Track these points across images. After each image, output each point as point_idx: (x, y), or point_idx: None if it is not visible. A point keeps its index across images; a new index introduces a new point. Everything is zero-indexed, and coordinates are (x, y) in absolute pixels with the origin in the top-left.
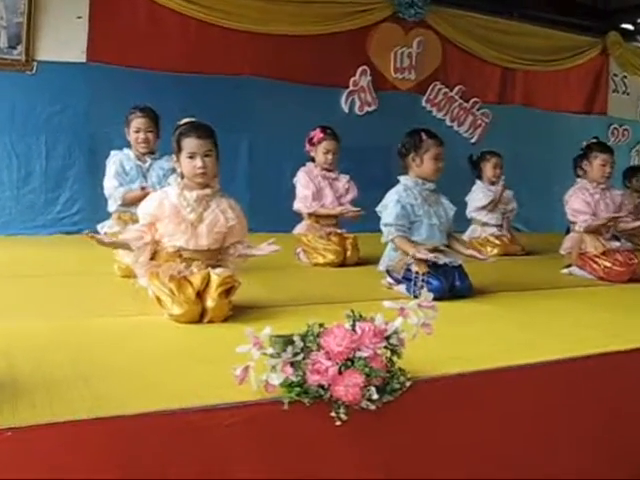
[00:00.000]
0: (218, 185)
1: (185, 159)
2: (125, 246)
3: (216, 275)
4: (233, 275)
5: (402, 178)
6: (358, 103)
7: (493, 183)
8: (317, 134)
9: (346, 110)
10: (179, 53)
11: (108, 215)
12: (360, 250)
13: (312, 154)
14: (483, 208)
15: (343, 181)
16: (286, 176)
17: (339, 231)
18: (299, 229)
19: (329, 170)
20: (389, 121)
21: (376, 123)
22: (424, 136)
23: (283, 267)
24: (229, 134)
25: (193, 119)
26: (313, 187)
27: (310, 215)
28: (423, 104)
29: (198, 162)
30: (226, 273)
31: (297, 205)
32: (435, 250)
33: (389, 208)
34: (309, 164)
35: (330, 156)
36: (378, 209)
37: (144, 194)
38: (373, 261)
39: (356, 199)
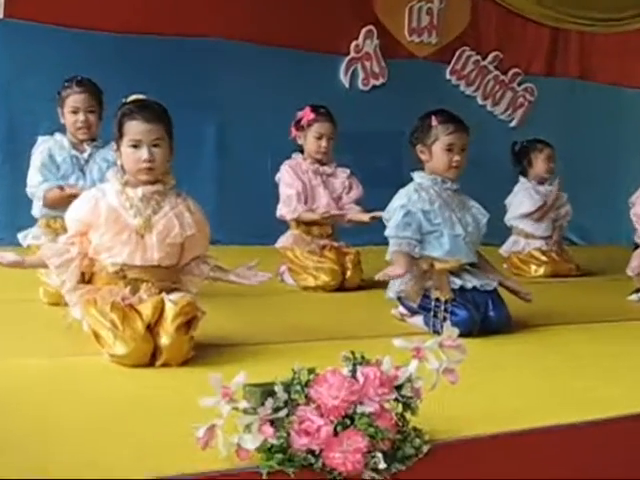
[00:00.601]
0: (173, 180)
1: (127, 148)
2: (45, 266)
3: (172, 302)
4: (195, 302)
5: (416, 175)
6: (362, 75)
7: (543, 182)
8: (306, 114)
9: (346, 84)
10: (126, 8)
11: (33, 221)
12: (364, 270)
13: (300, 142)
14: (529, 215)
15: (342, 177)
16: (266, 171)
17: (336, 244)
18: (283, 241)
19: (323, 163)
20: (402, 99)
21: (385, 101)
22: (434, 120)
23: (262, 292)
24: (190, 116)
25: (142, 96)
26: (300, 185)
27: (297, 223)
28: (447, 76)
29: (143, 153)
30: (186, 300)
31: (281, 210)
32: (460, 269)
33: (392, 215)
34: (296, 155)
35: (324, 143)
36: (384, 215)
37: (68, 195)
38: (381, 284)
39: (361, 199)
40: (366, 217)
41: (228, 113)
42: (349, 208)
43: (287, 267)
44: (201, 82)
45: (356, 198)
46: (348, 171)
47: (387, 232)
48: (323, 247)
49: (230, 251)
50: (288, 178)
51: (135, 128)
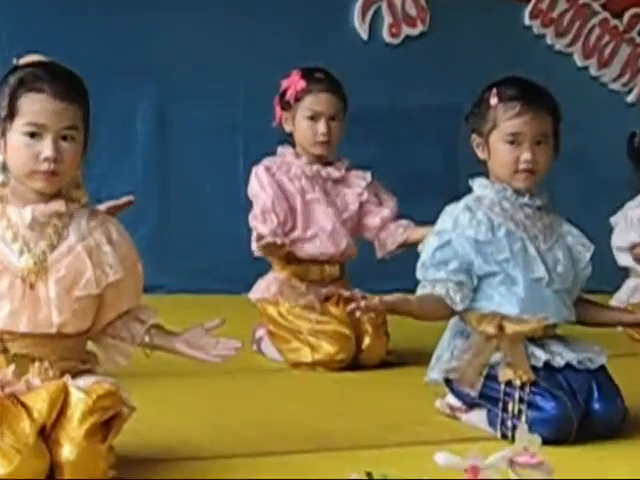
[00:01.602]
0: (85, 196)
1: (20, 137)
2: None
3: (81, 392)
4: (118, 391)
5: (477, 183)
6: (388, 20)
7: None
8: (293, 82)
9: (363, 34)
10: None
11: None
12: (391, 335)
13: (288, 128)
14: None
15: (357, 185)
16: (235, 177)
17: (347, 294)
18: (262, 289)
19: (325, 161)
20: (453, 58)
21: (426, 62)
22: (492, 97)
23: (228, 369)
24: (114, 90)
25: (42, 57)
26: (275, 192)
27: (286, 261)
28: (526, 21)
29: (46, 147)
30: (103, 388)
31: (255, 243)
32: (546, 334)
33: (425, 246)
34: (284, 150)
35: (322, 128)
36: (420, 247)
37: None
38: (417, 358)
39: (396, 214)
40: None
41: (173, 84)
42: (394, 229)
43: (267, 330)
44: (130, 38)
45: (389, 217)
46: (368, 176)
47: (419, 272)
48: (326, 299)
49: (178, 303)
50: (257, 186)
51: (37, 106)
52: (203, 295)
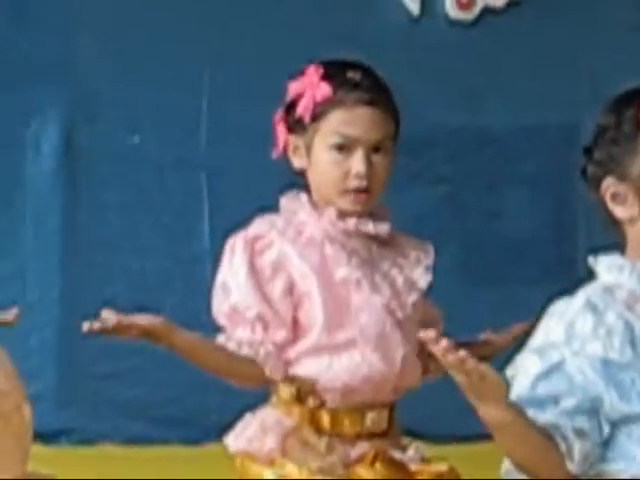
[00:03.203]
0: None
1: None
2: None
3: None
4: None
5: (603, 264)
6: None
7: None
8: (311, 85)
9: (414, 8)
10: None
11: None
12: None
13: (298, 162)
14: None
15: (417, 257)
16: (196, 246)
17: (399, 456)
18: (249, 435)
19: (361, 215)
20: (566, 46)
21: (519, 51)
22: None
23: None
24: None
25: None
26: (286, 282)
27: (289, 389)
28: None
29: None
30: None
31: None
32: None
33: (519, 371)
34: (292, 201)
35: (360, 163)
36: (508, 371)
37: None
38: None
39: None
40: (510, 335)
41: (87, 93)
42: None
43: None
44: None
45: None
46: (430, 249)
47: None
48: (360, 459)
49: (98, 459)
50: (238, 262)
51: None
52: (140, 446)
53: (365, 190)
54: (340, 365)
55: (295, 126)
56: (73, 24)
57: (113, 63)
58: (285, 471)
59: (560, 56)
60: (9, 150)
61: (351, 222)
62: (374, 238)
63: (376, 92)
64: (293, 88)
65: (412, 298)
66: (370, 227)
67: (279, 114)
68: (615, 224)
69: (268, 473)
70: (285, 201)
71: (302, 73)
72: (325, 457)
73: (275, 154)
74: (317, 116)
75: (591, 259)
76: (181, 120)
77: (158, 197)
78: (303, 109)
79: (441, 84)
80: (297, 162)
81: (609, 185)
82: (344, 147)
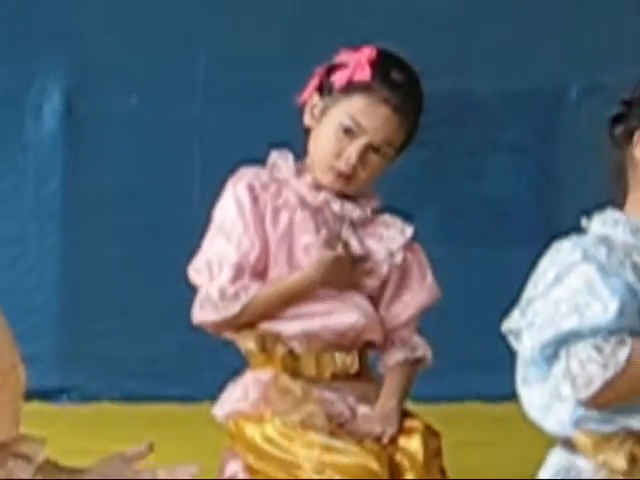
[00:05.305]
0: None
1: None
2: None
3: None
4: None
5: (599, 219)
6: None
7: None
8: (358, 62)
9: None
10: None
11: None
12: (449, 472)
13: (309, 119)
14: None
15: (390, 238)
16: (188, 207)
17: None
18: (234, 398)
19: (344, 195)
20: (548, 12)
21: (509, 20)
22: None
23: None
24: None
25: None
26: (259, 238)
27: (264, 347)
28: None
29: None
30: None
31: (202, 307)
32: None
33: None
34: (279, 157)
35: (354, 153)
36: (510, 325)
37: None
38: None
39: (427, 305)
40: (377, 428)
41: (89, 60)
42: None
43: (244, 464)
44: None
45: (419, 309)
46: (409, 230)
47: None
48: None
49: (96, 417)
50: (235, 216)
51: None
52: (135, 403)
53: (347, 177)
54: (310, 321)
55: (324, 88)
56: None
57: (112, 30)
58: (273, 426)
59: (547, 24)
60: (12, 113)
61: (321, 196)
62: (344, 216)
63: (406, 102)
64: (343, 56)
65: (381, 269)
66: (336, 207)
67: (319, 70)
68: (623, 181)
69: (254, 430)
70: (274, 155)
71: (358, 48)
72: (303, 405)
73: (298, 101)
74: (345, 90)
75: (584, 219)
76: (176, 85)
77: (153, 158)
78: (338, 79)
79: (428, 50)
80: (308, 119)
81: None
82: (350, 131)
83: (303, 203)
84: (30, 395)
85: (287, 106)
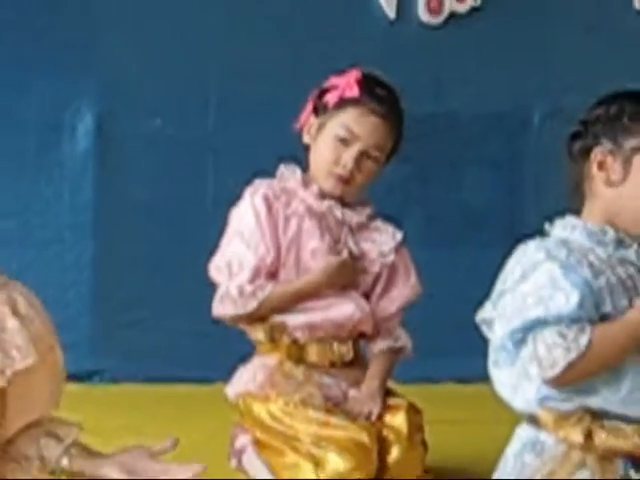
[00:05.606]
0: None
1: None
2: None
3: None
4: None
5: (560, 225)
6: None
7: None
8: (347, 83)
9: (389, 13)
10: None
11: None
12: (430, 445)
13: (308, 138)
14: None
15: (383, 242)
16: (202, 211)
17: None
18: (244, 380)
19: (342, 201)
20: (522, 45)
21: (480, 50)
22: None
23: None
24: (36, 90)
25: None
26: (272, 236)
27: (274, 335)
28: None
29: None
30: None
31: (222, 302)
32: None
33: (531, 274)
34: (287, 170)
35: (350, 159)
36: (483, 316)
37: None
38: (465, 477)
39: (411, 301)
40: (365, 408)
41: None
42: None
43: (253, 438)
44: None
45: (402, 305)
46: (399, 235)
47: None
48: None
49: (123, 396)
50: (253, 224)
51: None
52: (159, 384)
53: (346, 180)
54: (312, 314)
55: (319, 108)
56: (100, 22)
57: (138, 58)
58: (277, 405)
59: (517, 54)
60: (50, 133)
61: (326, 204)
62: (345, 221)
63: (391, 112)
64: (332, 80)
65: (374, 267)
66: (338, 213)
67: (313, 95)
68: (579, 192)
69: (261, 408)
70: (283, 169)
71: (343, 72)
72: (304, 387)
73: (296, 126)
74: (338, 106)
75: (546, 224)
76: (192, 105)
77: (172, 172)
78: (331, 98)
79: (412, 77)
80: (306, 137)
81: (603, 150)
82: (345, 140)
83: (310, 212)
84: (67, 378)
85: (295, 121)
